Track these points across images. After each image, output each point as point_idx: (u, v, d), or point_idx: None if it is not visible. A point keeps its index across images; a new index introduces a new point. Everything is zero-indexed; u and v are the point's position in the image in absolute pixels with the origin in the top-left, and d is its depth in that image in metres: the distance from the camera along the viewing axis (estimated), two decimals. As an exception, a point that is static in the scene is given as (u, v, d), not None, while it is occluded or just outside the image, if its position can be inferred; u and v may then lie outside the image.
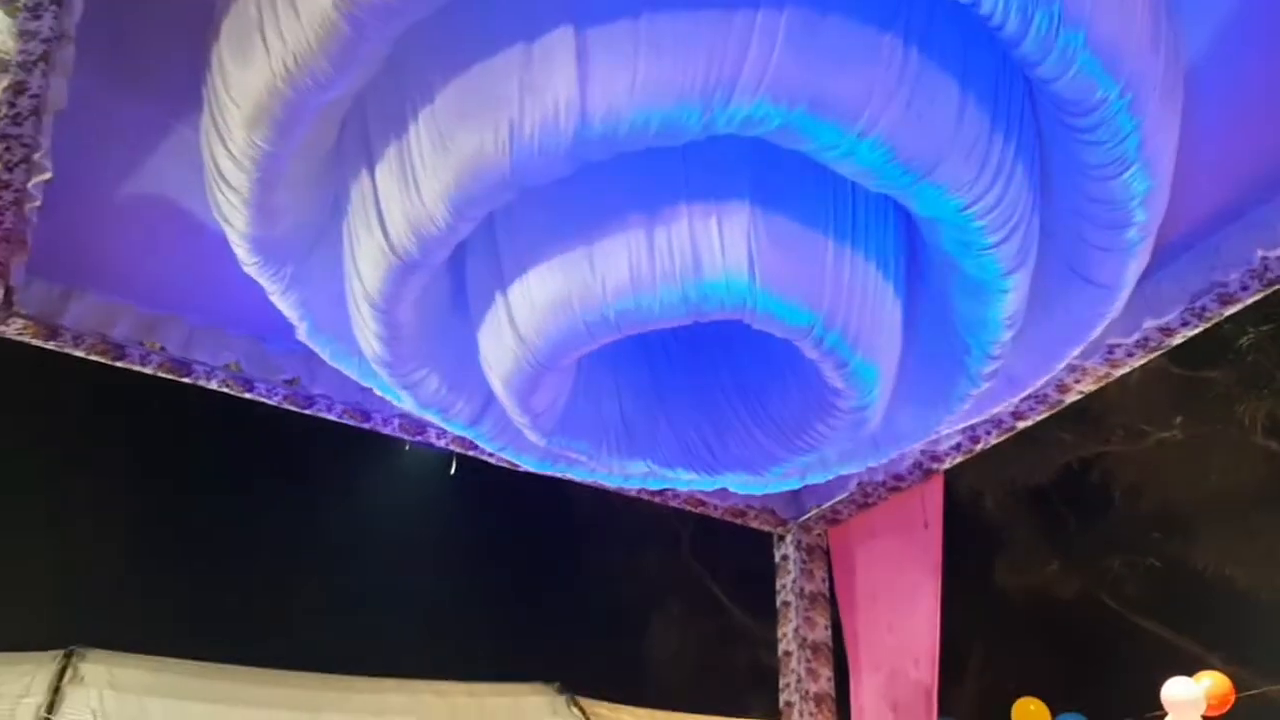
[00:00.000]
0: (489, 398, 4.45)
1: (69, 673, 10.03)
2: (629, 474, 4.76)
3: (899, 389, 4.35)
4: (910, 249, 4.05)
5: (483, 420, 4.68)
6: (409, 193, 3.59)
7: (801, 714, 6.75)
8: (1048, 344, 4.64)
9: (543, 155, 3.33)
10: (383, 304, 3.91)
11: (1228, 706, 7.13)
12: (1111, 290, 4.23)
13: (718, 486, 4.85)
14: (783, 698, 6.94)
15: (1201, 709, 7.02)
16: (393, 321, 3.99)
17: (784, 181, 3.57)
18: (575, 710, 11.80)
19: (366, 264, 3.84)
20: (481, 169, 3.41)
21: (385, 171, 3.68)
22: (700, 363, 4.39)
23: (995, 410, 5.45)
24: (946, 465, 6.34)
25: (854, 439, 4.48)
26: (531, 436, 4.40)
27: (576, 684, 12.35)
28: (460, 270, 4.14)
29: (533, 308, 3.77)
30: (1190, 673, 8.33)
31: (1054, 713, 8.85)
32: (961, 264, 3.77)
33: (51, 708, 9.50)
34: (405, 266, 3.76)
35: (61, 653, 10.38)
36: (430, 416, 4.67)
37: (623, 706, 12.64)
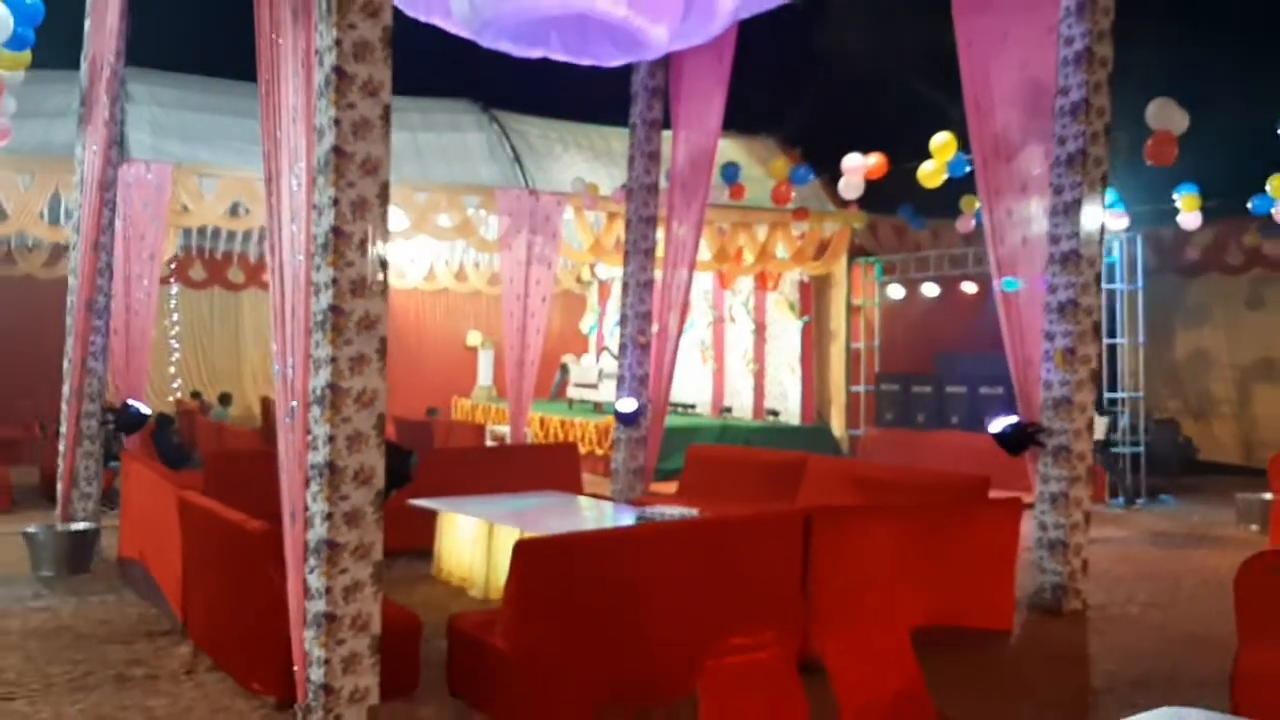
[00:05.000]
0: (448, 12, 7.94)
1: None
2: (532, 55, 8.39)
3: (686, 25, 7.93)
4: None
5: (448, 21, 8.18)
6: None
7: (639, 149, 10.92)
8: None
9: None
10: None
11: (881, 175, 11.50)
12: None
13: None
14: (630, 149, 11.08)
15: (863, 174, 11.40)
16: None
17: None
18: (495, 124, 15.93)
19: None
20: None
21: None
22: (578, 19, 7.83)
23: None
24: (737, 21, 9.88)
25: (659, 48, 8.16)
26: (481, 41, 7.97)
27: (494, 101, 16.35)
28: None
29: (481, -3, 7.20)
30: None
31: (800, 162, 13.17)
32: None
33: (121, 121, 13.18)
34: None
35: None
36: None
37: (529, 117, 16.77)
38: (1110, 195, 12.33)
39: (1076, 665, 6.22)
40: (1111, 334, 13.23)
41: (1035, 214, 7.68)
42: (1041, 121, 7.65)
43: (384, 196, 4.58)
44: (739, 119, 16.24)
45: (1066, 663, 6.28)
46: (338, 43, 4.44)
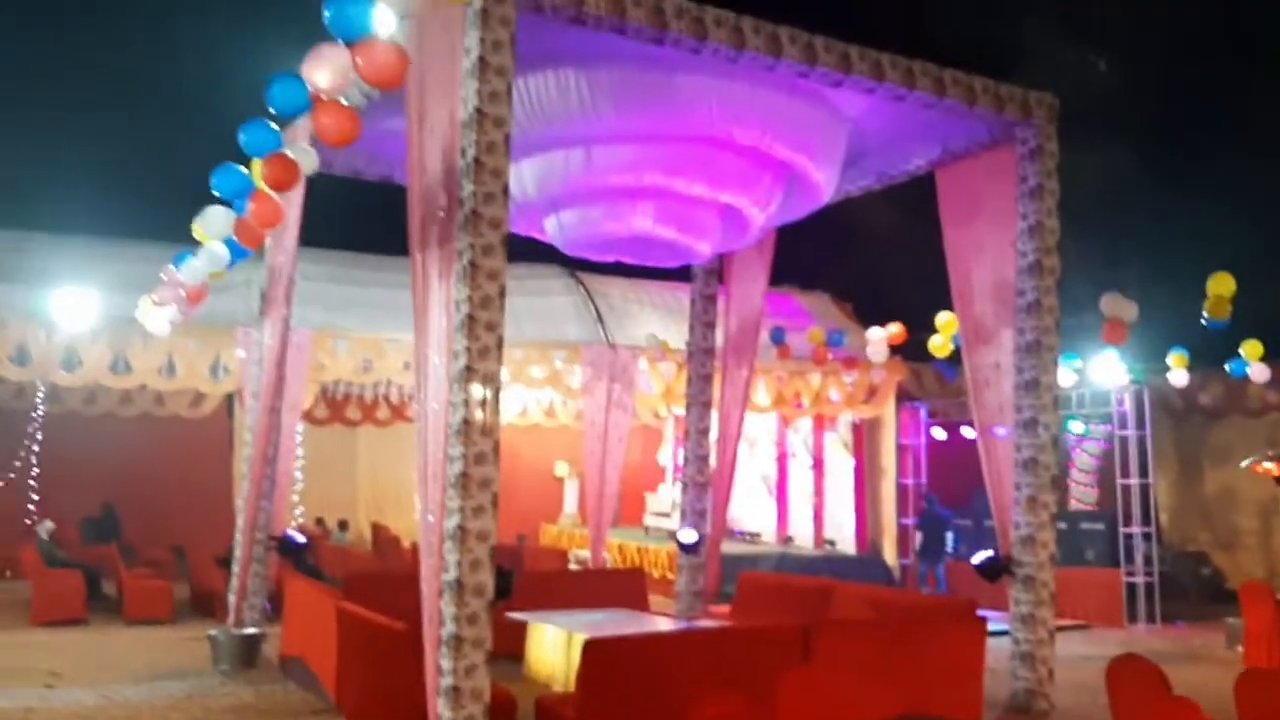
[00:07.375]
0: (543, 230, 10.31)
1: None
2: (606, 259, 10.69)
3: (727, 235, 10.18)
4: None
5: (540, 234, 10.56)
6: (524, 185, 9.23)
7: (698, 319, 13.12)
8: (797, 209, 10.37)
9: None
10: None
11: (901, 342, 13.58)
12: (826, 187, 9.89)
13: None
14: (690, 318, 13.30)
15: (886, 341, 13.47)
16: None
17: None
18: (580, 287, 18.35)
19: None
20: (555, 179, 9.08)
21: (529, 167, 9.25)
22: (643, 238, 10.08)
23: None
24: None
25: (706, 256, 10.40)
26: (568, 252, 10.30)
27: (575, 266, 18.77)
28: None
29: (567, 225, 9.55)
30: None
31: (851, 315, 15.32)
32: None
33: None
34: (522, 205, 9.50)
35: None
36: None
37: (609, 278, 19.16)
38: (1116, 355, 14.11)
39: (1021, 748, 7.87)
40: (1125, 474, 14.81)
41: (1007, 386, 9.56)
42: (1010, 313, 9.58)
43: (497, 396, 6.76)
44: (797, 273, 18.48)
45: (1015, 747, 7.94)
46: (469, 298, 6.70)
